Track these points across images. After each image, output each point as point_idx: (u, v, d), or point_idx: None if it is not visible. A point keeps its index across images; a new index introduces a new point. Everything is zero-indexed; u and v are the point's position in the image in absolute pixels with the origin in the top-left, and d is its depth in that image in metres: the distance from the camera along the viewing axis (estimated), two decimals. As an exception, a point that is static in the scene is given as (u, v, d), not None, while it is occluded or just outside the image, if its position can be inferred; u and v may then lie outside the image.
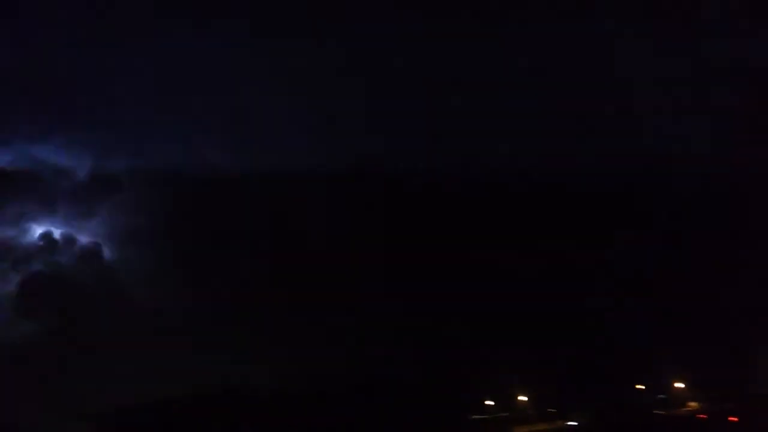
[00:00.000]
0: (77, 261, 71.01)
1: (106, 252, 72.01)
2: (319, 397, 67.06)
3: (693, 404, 68.92)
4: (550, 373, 68.98)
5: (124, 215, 72.44)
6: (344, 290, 70.54)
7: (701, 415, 65.84)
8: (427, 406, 67.80)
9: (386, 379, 70.41)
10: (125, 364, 62.85)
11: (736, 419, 62.43)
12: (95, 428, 61.90)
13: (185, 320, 67.98)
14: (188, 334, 66.07)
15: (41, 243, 70.25)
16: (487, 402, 70.99)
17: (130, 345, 64.38)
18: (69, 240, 71.17)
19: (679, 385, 69.47)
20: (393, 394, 69.12)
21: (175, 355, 65.12)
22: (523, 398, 69.90)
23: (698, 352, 66.55)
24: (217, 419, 63.04)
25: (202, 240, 72.39)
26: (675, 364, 67.33)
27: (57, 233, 70.98)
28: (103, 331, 65.57)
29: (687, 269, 73.26)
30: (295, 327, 70.55)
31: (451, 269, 73.49)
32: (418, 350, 71.16)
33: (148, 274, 70.66)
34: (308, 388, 67.96)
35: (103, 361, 62.80)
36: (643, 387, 71.95)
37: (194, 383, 64.97)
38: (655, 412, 69.18)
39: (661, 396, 71.22)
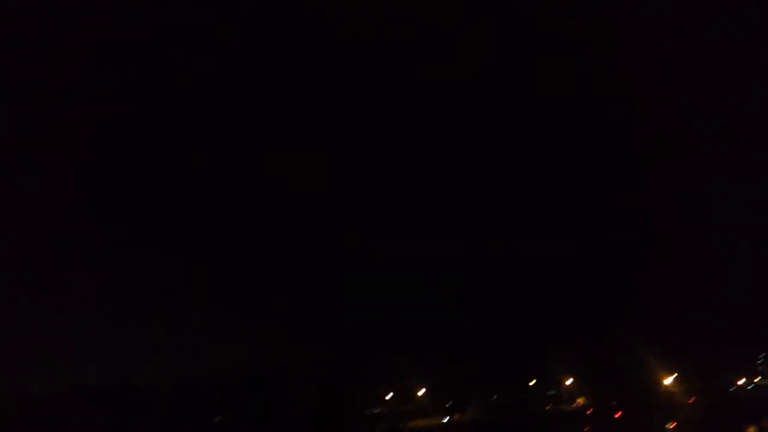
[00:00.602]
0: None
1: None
2: (215, 394, 64.69)
3: (581, 400, 71.89)
4: (447, 369, 70.09)
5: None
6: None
7: (588, 411, 68.77)
8: (324, 399, 67.08)
9: (283, 372, 68.95)
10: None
11: (619, 414, 65.84)
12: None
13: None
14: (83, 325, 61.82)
15: None
16: (386, 395, 71.23)
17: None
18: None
19: (569, 381, 72.34)
20: (289, 386, 67.84)
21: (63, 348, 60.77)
22: (421, 392, 70.59)
23: (588, 351, 69.51)
24: (110, 412, 59.25)
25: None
26: (565, 362, 70.07)
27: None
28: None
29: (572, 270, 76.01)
30: (188, 322, 67.89)
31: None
32: (316, 343, 70.20)
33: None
34: (203, 383, 65.34)
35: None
36: (535, 383, 74.58)
37: (85, 378, 61.08)
38: (545, 407, 71.81)
39: (552, 392, 74.02)
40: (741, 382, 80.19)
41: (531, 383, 73.78)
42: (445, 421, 69.48)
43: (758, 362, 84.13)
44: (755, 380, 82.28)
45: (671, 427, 60.94)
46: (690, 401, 65.82)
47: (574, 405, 71.61)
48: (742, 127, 66.89)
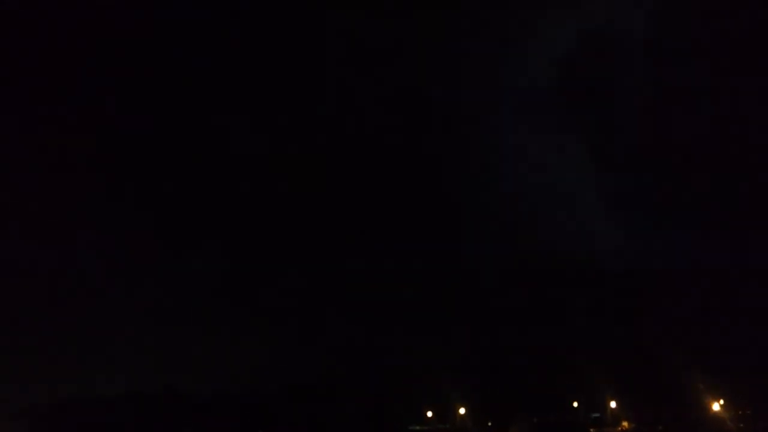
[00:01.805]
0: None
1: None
2: (260, 404, 66.90)
3: (625, 424, 70.24)
4: (489, 388, 70.11)
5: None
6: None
7: (633, 434, 67.33)
8: (366, 416, 68.25)
9: (327, 387, 70.59)
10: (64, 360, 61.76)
11: (666, 439, 64.16)
12: (30, 425, 60.58)
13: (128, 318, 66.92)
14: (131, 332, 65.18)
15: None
16: (427, 413, 71.85)
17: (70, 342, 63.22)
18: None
19: (613, 404, 70.93)
20: (333, 402, 69.37)
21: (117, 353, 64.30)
22: (462, 411, 70.82)
23: (632, 375, 68.15)
24: (157, 418, 62.32)
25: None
26: (610, 384, 68.87)
27: None
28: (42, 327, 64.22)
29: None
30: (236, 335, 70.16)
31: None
32: (359, 360, 71.37)
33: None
34: (247, 393, 67.70)
35: (44, 357, 61.54)
36: (578, 405, 73.44)
37: (135, 382, 64.26)
38: (590, 429, 70.40)
39: (596, 414, 72.63)
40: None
41: (574, 405, 72.78)
42: None
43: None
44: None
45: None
46: None
47: (619, 428, 69.99)
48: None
